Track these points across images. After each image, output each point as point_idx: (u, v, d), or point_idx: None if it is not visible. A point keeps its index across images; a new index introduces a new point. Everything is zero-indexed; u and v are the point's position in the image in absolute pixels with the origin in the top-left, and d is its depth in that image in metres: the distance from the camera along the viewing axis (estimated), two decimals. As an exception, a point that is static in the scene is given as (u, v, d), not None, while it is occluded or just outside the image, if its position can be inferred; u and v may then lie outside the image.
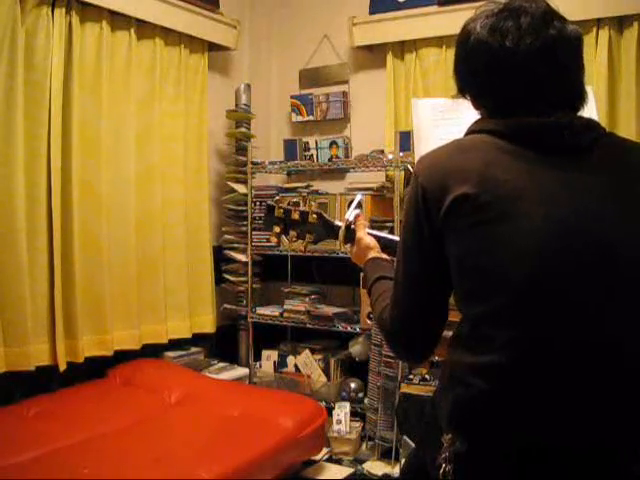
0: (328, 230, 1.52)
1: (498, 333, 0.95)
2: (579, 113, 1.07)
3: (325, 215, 1.53)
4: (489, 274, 0.96)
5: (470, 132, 1.09)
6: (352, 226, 1.48)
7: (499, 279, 0.95)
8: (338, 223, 1.51)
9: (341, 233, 1.49)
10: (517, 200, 0.96)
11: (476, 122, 1.10)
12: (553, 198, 0.96)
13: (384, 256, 1.37)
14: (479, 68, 1.07)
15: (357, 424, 3.19)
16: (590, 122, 1.04)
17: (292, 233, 1.52)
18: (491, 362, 0.94)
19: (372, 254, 1.38)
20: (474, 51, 1.07)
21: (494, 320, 0.96)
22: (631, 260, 0.95)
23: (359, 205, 1.56)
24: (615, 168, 1.01)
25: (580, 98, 1.07)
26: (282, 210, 1.51)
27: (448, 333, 1.06)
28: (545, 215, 0.95)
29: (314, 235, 1.51)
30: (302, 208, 1.53)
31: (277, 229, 1.52)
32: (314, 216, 1.50)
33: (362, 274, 2.75)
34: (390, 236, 1.46)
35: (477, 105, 1.13)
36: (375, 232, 1.45)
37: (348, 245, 1.49)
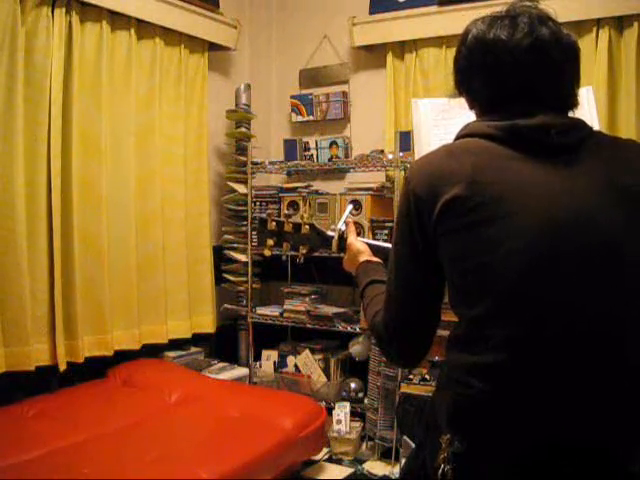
0: (322, 240, 1.54)
1: (495, 333, 0.95)
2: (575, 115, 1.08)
3: (317, 226, 1.55)
4: (483, 275, 0.96)
5: (460, 136, 1.10)
6: (344, 235, 1.50)
7: (494, 280, 0.95)
8: (331, 233, 1.53)
9: (334, 243, 1.51)
10: (509, 201, 0.96)
11: (465, 126, 1.11)
12: (545, 198, 0.97)
13: (376, 259, 1.38)
14: (475, 64, 1.09)
15: (357, 424, 3.19)
16: (577, 121, 1.05)
17: (286, 245, 1.54)
18: (489, 362, 0.95)
19: (363, 258, 1.39)
20: (471, 47, 1.09)
21: (490, 320, 0.96)
22: (630, 257, 0.95)
23: (351, 213, 1.58)
24: (605, 166, 1.02)
25: (571, 102, 1.08)
26: (275, 223, 1.52)
27: (445, 333, 1.06)
28: (538, 215, 0.95)
29: (308, 246, 1.53)
30: (294, 220, 1.54)
31: (270, 242, 1.54)
32: (307, 227, 1.51)
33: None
34: (381, 243, 1.47)
35: (471, 103, 1.15)
36: (365, 239, 1.47)
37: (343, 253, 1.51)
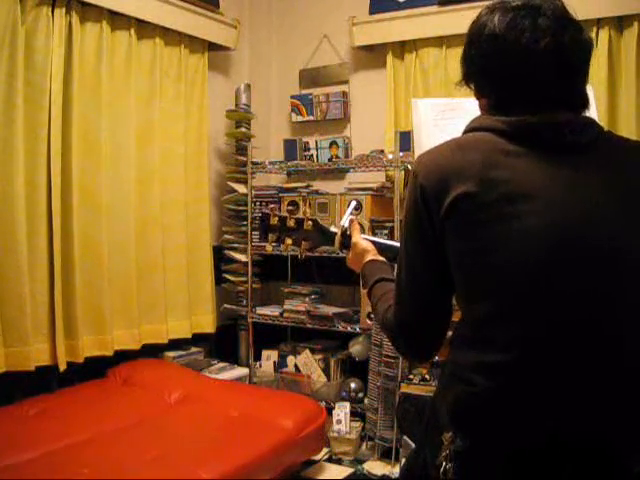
0: (324, 237, 1.53)
1: (501, 332, 0.95)
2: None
3: (320, 222, 1.53)
4: (491, 274, 0.96)
5: (470, 130, 1.08)
6: (348, 232, 1.48)
7: (501, 279, 0.95)
8: (333, 230, 1.51)
9: (337, 240, 1.49)
10: (518, 200, 0.96)
11: (475, 119, 1.09)
12: (555, 197, 0.96)
13: (381, 258, 1.37)
14: (490, 61, 1.05)
15: (357, 424, 3.19)
16: (590, 120, 1.04)
17: (288, 241, 1.53)
18: (494, 360, 0.95)
19: (369, 257, 1.38)
20: (488, 43, 1.05)
21: (497, 319, 0.96)
22: (633, 260, 0.95)
23: (354, 211, 1.56)
24: (615, 167, 1.01)
25: (583, 103, 1.06)
26: (277, 218, 1.51)
27: (448, 333, 1.06)
28: (547, 215, 0.95)
29: (310, 242, 1.51)
30: (297, 215, 1.53)
31: (273, 237, 1.53)
32: (309, 223, 1.50)
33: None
34: (386, 241, 1.46)
35: (479, 96, 1.12)
36: (371, 237, 1.45)
37: (345, 251, 1.49)
